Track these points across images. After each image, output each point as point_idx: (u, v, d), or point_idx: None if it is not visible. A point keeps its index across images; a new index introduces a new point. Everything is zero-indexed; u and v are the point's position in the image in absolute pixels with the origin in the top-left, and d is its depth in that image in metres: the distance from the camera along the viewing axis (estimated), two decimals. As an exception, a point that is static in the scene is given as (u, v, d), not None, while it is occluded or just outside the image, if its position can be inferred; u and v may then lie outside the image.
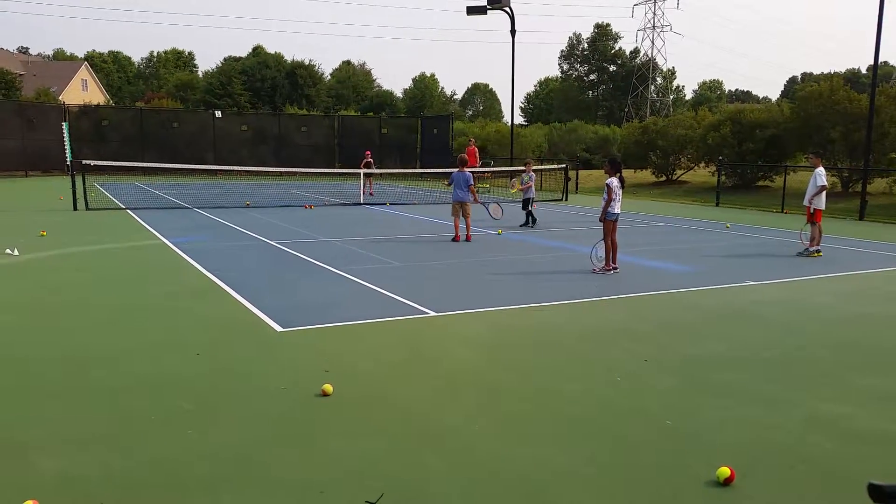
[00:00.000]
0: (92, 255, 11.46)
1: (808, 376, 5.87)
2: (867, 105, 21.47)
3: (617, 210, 10.49)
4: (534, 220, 16.72)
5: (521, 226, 16.58)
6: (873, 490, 1.39)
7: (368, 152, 27.85)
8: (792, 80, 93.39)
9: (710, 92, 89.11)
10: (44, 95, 46.29)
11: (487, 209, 16.77)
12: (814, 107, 25.75)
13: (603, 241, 10.62)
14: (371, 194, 25.62)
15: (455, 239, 13.68)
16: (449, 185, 14.37)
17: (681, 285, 9.65)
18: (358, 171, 24.82)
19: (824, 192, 12.67)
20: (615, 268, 10.50)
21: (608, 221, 10.51)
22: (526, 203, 16.84)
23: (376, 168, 29.38)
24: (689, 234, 15.82)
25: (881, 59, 20.78)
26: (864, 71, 70.57)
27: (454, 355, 6.35)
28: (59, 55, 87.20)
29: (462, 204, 13.84)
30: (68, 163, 20.98)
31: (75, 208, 18.24)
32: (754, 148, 27.73)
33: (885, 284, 10.21)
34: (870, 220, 19.82)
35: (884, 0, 19.44)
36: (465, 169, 14.11)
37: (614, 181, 10.43)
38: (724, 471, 3.92)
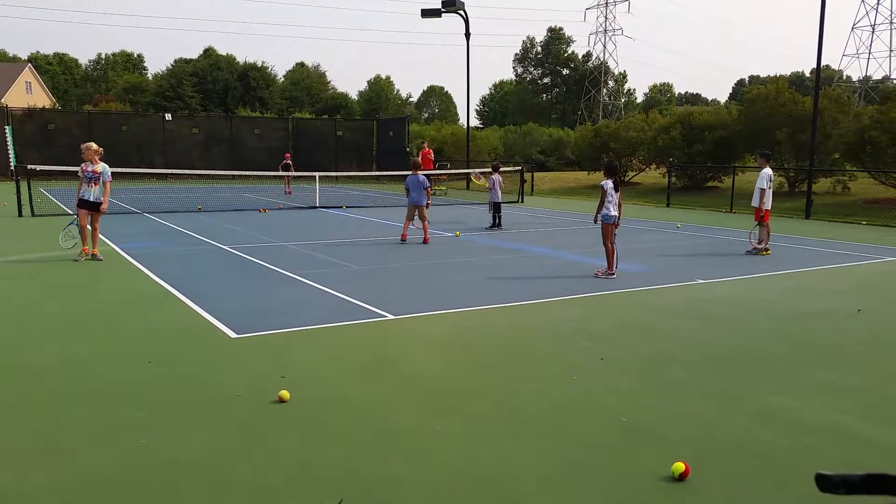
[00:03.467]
0: (38, 262, 11.13)
1: (758, 371, 6.01)
2: (811, 107, 22.11)
3: (613, 212, 10.36)
4: (499, 224, 16.84)
5: (486, 228, 16.67)
6: (821, 480, 1.41)
7: (288, 154, 29.60)
8: (740, 83, 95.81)
9: (661, 95, 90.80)
10: (-15, 98, 44.79)
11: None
12: (760, 109, 26.43)
13: (605, 244, 10.45)
14: (289, 193, 27.49)
15: (402, 238, 13.71)
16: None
17: (634, 284, 9.80)
18: (312, 174, 24.66)
19: (769, 192, 13.00)
20: (612, 272, 10.36)
21: (605, 224, 10.41)
22: (493, 207, 16.95)
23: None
24: (642, 235, 16.06)
25: (823, 62, 21.37)
26: (807, 74, 72.78)
27: (412, 358, 6.33)
28: (1, 56, 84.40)
29: (418, 207, 13.85)
30: (12, 168, 20.29)
31: (20, 214, 17.69)
32: (703, 149, 28.32)
33: (831, 281, 10.52)
34: (815, 218, 20.41)
35: (825, 7, 20.08)
36: (419, 172, 14.14)
37: (608, 183, 10.35)
38: (679, 466, 3.98)
